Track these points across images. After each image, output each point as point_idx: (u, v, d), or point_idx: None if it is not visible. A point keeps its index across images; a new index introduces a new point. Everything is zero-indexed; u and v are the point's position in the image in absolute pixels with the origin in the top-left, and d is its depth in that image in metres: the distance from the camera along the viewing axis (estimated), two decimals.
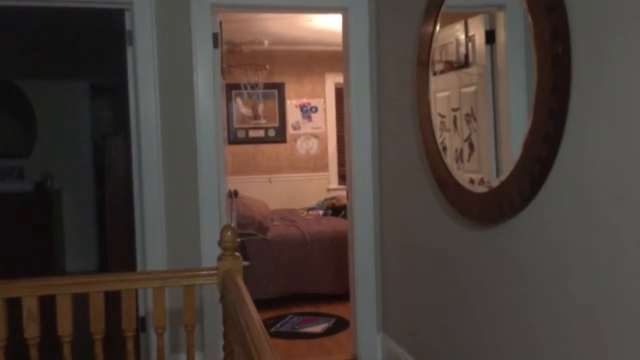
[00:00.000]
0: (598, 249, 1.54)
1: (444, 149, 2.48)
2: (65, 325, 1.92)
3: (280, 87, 6.42)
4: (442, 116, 2.54)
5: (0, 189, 5.39)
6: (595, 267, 1.56)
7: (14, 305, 1.93)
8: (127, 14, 2.98)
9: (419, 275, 2.81)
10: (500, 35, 2.16)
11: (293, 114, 6.50)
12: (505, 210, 1.95)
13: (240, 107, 6.31)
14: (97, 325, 1.96)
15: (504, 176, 1.97)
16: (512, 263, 1.97)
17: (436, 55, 2.51)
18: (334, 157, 6.60)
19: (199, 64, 2.99)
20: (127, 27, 2.98)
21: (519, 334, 1.93)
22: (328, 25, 5.08)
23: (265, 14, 4.59)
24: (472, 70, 2.38)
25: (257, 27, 5.26)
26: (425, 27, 2.53)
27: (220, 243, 2.06)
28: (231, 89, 6.06)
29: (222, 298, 2.02)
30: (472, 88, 2.39)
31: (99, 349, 1.98)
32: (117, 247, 4.14)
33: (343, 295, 4.13)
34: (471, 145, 2.38)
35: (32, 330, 1.89)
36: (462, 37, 2.41)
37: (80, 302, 2.06)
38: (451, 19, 2.44)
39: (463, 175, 2.31)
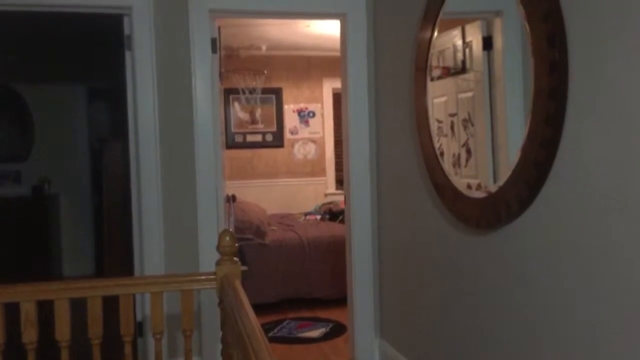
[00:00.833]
0: (596, 254, 1.55)
1: (441, 154, 2.49)
2: (63, 330, 1.91)
3: (277, 92, 6.43)
4: (440, 122, 2.55)
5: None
6: (593, 271, 1.56)
7: (12, 310, 1.93)
8: (125, 19, 2.98)
9: (417, 280, 2.81)
10: (497, 42, 2.18)
11: (291, 119, 6.51)
12: (502, 215, 1.96)
13: (238, 111, 6.32)
14: (95, 330, 1.96)
15: (501, 181, 1.97)
16: (511, 268, 1.97)
17: (434, 61, 2.53)
18: (331, 162, 6.61)
19: (198, 68, 3.00)
20: (126, 31, 2.99)
21: (518, 338, 1.94)
22: (326, 30, 5.10)
23: (263, 20, 4.61)
24: (469, 76, 2.39)
25: (255, 32, 5.27)
26: (422, 33, 2.55)
27: (218, 248, 2.06)
28: (229, 93, 6.06)
29: (221, 302, 2.02)
30: (470, 94, 2.40)
31: (96, 353, 1.98)
32: (114, 251, 4.13)
33: (340, 300, 4.13)
34: (468, 151, 2.39)
35: (30, 335, 1.89)
36: (460, 43, 2.42)
37: (76, 307, 2.06)
38: (448, 25, 2.45)
39: (460, 180, 2.32)
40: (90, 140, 5.84)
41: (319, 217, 5.66)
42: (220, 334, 2.04)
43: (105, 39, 4.27)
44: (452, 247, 2.43)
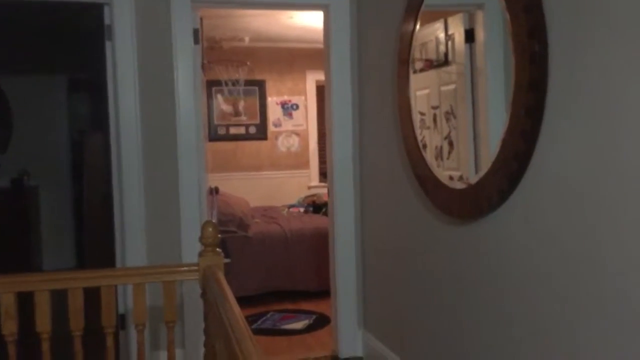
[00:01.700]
0: (574, 245, 1.58)
1: (424, 146, 2.50)
2: (43, 322, 1.90)
3: (261, 84, 6.41)
4: (422, 114, 2.56)
5: None
6: (571, 262, 1.59)
7: None
8: (106, 9, 2.95)
9: (400, 271, 2.84)
10: (479, 34, 2.19)
11: (274, 111, 6.50)
12: (483, 206, 1.99)
13: (221, 103, 6.28)
14: (77, 322, 1.94)
15: (482, 173, 2.00)
16: (491, 258, 2.00)
17: (416, 53, 2.54)
18: (314, 154, 6.61)
19: (179, 59, 2.98)
20: (107, 21, 2.95)
21: (498, 328, 1.97)
22: (309, 22, 5.08)
23: (246, 10, 4.58)
24: (451, 68, 2.41)
25: (238, 24, 5.24)
26: (405, 25, 2.56)
27: (201, 239, 2.06)
28: (212, 85, 6.03)
29: (204, 294, 2.02)
30: (452, 86, 2.42)
31: (78, 345, 1.97)
32: (95, 244, 4.09)
33: (324, 292, 4.15)
34: (451, 143, 2.41)
35: (9, 327, 1.87)
36: (442, 35, 2.43)
37: (57, 299, 2.04)
38: (431, 18, 2.47)
39: (442, 172, 2.34)
40: (71, 132, 5.76)
41: (302, 209, 5.67)
42: (203, 325, 2.03)
43: (86, 29, 4.21)
44: (434, 238, 2.45)
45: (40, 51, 5.41)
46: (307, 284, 4.54)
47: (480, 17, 2.24)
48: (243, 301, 4.38)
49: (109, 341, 1.99)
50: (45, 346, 1.93)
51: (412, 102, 2.57)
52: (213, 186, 4.20)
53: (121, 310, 2.92)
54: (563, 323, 1.63)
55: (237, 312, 1.44)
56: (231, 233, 4.46)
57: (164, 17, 2.97)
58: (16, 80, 5.51)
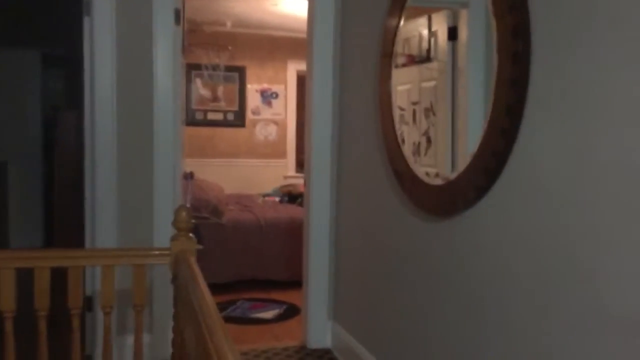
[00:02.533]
0: (549, 241, 1.60)
1: (402, 141, 2.51)
2: (8, 301, 1.85)
3: (241, 71, 6.34)
4: (402, 109, 2.56)
5: None
6: (543, 261, 1.61)
7: None
8: None
9: (372, 265, 2.85)
10: (463, 32, 2.20)
11: (253, 99, 6.44)
12: (459, 203, 2.00)
13: (200, 88, 6.20)
14: (42, 302, 1.90)
15: (460, 170, 2.01)
16: (465, 255, 2.02)
17: (399, 48, 2.53)
18: (292, 144, 6.59)
19: (159, 39, 2.92)
20: None
21: (468, 325, 1.99)
22: (293, 10, 5.04)
23: None
24: (433, 65, 2.41)
25: (221, 7, 5.17)
26: (390, 19, 2.55)
27: (174, 223, 2.03)
28: (191, 69, 5.94)
29: (174, 279, 1.99)
30: (432, 83, 2.43)
31: (42, 326, 1.92)
32: (64, 224, 4.00)
33: (295, 283, 4.14)
34: (429, 140, 2.42)
35: None
36: (425, 32, 2.43)
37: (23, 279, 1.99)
38: (416, 13, 2.46)
39: (420, 168, 2.35)
40: (44, 109, 5.62)
41: (277, 199, 5.65)
42: (172, 310, 2.01)
43: (62, 3, 4.10)
44: (409, 233, 2.46)
45: (14, 25, 5.25)
46: (280, 273, 4.53)
47: (464, 15, 2.25)
48: (214, 288, 4.30)
49: (75, 323, 1.95)
50: (9, 326, 1.88)
51: (393, 97, 2.57)
52: (189, 171, 4.15)
53: (88, 292, 2.87)
54: (532, 321, 1.66)
55: (209, 300, 1.42)
56: (204, 219, 4.41)
57: None
58: None
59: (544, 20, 1.61)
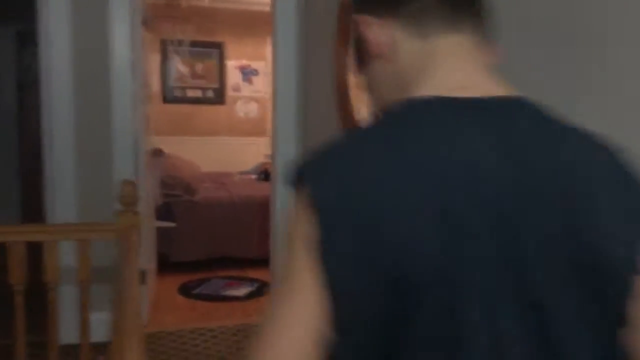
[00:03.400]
0: None
1: None
2: None
3: (220, 47, 6.24)
4: None
5: None
6: None
7: None
8: None
9: None
10: None
11: (233, 76, 6.35)
12: None
13: (178, 64, 6.11)
14: None
15: None
16: None
17: None
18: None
19: (116, 10, 2.84)
20: None
21: None
22: None
23: None
24: None
25: None
26: None
27: (119, 198, 1.99)
28: (167, 45, 5.84)
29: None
30: None
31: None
32: (31, 199, 3.96)
33: (268, 260, 4.13)
34: None
35: None
36: None
37: None
38: None
39: None
40: (19, 85, 5.53)
41: (254, 176, 5.61)
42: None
43: None
44: None
45: None
46: (253, 251, 4.50)
47: None
48: (187, 266, 4.33)
49: (18, 300, 1.92)
50: None
51: (351, 78, 2.51)
52: (157, 148, 4.09)
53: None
54: None
55: (134, 278, 1.39)
56: (177, 197, 4.38)
57: None
58: None
59: None
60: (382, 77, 0.70)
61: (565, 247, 0.58)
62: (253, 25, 6.29)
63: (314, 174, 0.61)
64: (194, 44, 5.87)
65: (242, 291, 3.96)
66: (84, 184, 2.86)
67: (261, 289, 3.99)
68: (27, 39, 5.55)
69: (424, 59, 0.66)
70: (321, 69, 2.96)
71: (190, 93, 6.21)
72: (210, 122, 6.30)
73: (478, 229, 0.57)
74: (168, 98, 6.06)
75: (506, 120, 0.62)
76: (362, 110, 2.45)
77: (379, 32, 0.67)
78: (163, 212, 4.18)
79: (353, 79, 2.49)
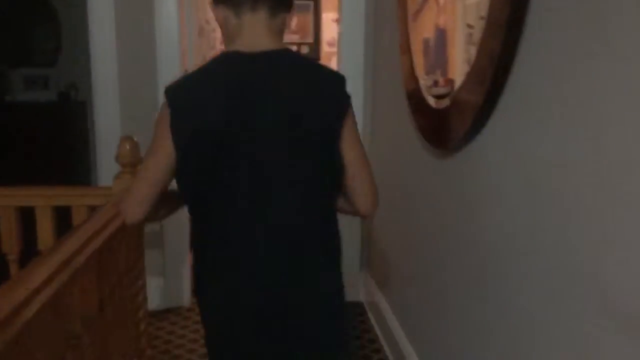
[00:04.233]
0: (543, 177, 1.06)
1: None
2: None
3: None
4: (471, 27, 1.99)
5: (30, 97, 5.33)
6: (539, 194, 1.08)
7: None
8: None
9: (396, 210, 2.38)
10: None
11: (329, 30, 5.93)
12: (457, 129, 1.47)
13: None
14: None
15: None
16: (468, 193, 1.51)
17: None
18: None
19: None
20: None
21: (479, 268, 1.51)
22: None
23: None
24: None
25: None
26: None
27: (116, 158, 1.73)
28: None
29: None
30: None
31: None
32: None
33: None
34: None
35: None
36: None
37: None
38: None
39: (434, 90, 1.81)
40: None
41: None
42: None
43: None
44: (419, 171, 1.96)
45: None
46: None
47: None
48: None
49: (13, 268, 1.76)
50: None
51: (459, 12, 1.99)
52: None
53: None
54: (537, 260, 1.15)
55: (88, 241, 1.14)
56: None
57: None
58: None
59: None
60: (224, 38, 1.22)
61: (285, 127, 1.12)
62: None
63: (171, 88, 1.14)
64: None
65: None
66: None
67: None
68: None
69: (238, 29, 1.17)
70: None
71: None
72: None
73: (244, 115, 1.11)
74: None
75: (270, 62, 1.15)
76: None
77: (218, 13, 1.19)
78: None
79: (416, 43, 1.98)
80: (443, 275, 1.72)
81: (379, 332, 2.57)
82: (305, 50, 5.91)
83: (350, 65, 2.77)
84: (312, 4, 5.83)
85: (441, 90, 1.65)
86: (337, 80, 1.17)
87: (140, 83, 2.64)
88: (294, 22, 5.83)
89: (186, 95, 1.13)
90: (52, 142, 5.03)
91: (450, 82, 1.57)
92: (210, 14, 3.27)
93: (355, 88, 2.76)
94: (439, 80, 1.68)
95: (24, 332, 0.78)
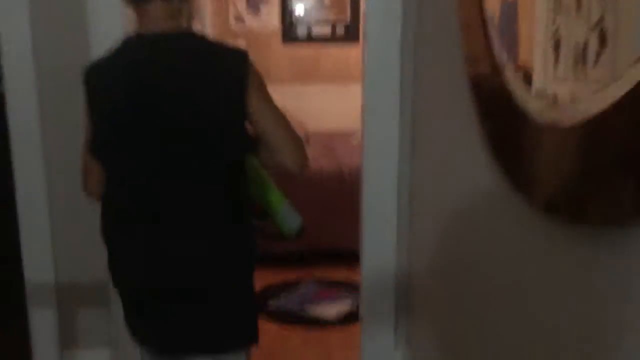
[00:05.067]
0: None
1: (556, 45, 1.00)
2: None
3: None
4: None
5: None
6: None
7: None
8: None
9: (462, 275, 1.43)
10: None
11: None
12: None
13: None
14: None
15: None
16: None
17: None
18: None
19: None
20: None
21: None
22: None
23: None
24: None
25: None
26: None
27: None
28: None
29: None
30: None
31: None
32: None
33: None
34: (602, 36, 0.90)
35: None
36: None
37: None
38: None
39: (585, 86, 0.87)
40: None
41: None
42: None
43: None
44: (523, 250, 1.02)
45: None
46: None
47: None
48: (281, 262, 3.17)
49: None
50: None
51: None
52: None
53: None
54: None
55: None
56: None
57: None
58: None
59: None
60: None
61: (172, 111, 1.22)
62: None
63: (88, 70, 1.30)
64: None
65: (334, 309, 2.74)
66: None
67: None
68: None
69: (139, 17, 1.27)
70: None
71: (317, 30, 4.97)
72: (340, 67, 5.01)
73: (137, 98, 1.23)
74: (290, 37, 4.91)
75: (163, 43, 1.24)
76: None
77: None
78: None
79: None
80: None
81: None
82: (341, 29, 4.93)
83: (379, 50, 1.82)
84: None
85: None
86: (232, 57, 1.26)
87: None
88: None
89: (95, 77, 1.30)
90: None
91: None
92: None
93: (386, 80, 1.82)
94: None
95: None
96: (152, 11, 1.23)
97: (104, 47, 1.32)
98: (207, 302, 1.30)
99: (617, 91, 0.71)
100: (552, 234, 0.88)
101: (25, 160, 1.86)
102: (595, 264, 0.77)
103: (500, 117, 1.03)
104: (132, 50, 1.25)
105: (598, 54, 0.92)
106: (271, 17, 4.90)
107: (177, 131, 1.21)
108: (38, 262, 1.91)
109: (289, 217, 1.60)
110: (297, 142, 1.32)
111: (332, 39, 4.95)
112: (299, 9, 4.92)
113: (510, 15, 1.06)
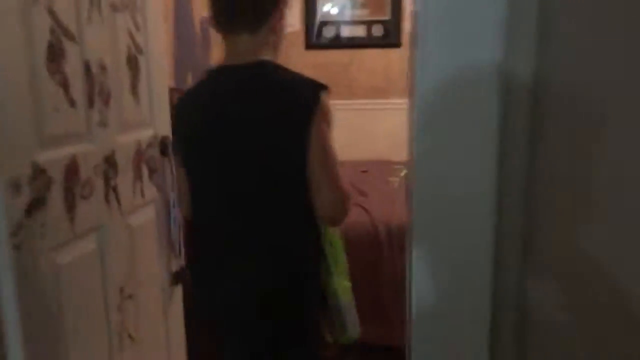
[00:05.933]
0: None
1: None
2: None
3: None
4: None
5: None
6: None
7: None
8: None
9: None
10: None
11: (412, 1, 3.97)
12: None
13: None
14: None
15: None
16: None
17: None
18: None
19: None
20: None
21: None
22: None
23: None
24: None
25: None
26: None
27: None
28: None
29: None
30: None
31: None
32: None
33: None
34: None
35: None
36: None
37: None
38: None
39: None
40: None
41: None
42: None
43: None
44: None
45: None
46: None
47: None
48: None
49: None
50: None
51: None
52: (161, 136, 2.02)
53: None
54: None
55: None
56: None
57: None
58: None
59: None
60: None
61: (251, 151, 1.28)
62: None
63: (178, 102, 1.46)
64: None
65: None
66: None
67: None
68: None
69: (226, 47, 1.35)
70: None
71: (347, 32, 4.01)
72: (376, 76, 4.04)
73: (217, 130, 1.31)
74: (312, 42, 3.99)
75: (242, 74, 1.31)
76: None
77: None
78: None
79: None
80: None
81: None
82: (378, 31, 3.96)
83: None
84: None
85: None
86: (304, 88, 1.30)
87: None
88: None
89: (182, 107, 1.43)
90: None
91: None
92: None
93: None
94: None
95: None
96: (239, 43, 1.33)
97: None
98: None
99: None
100: None
101: None
102: None
103: None
104: (212, 81, 1.38)
105: None
106: (291, 19, 3.98)
107: (246, 158, 1.29)
108: None
109: (350, 318, 1.42)
110: (336, 190, 1.31)
111: (368, 42, 3.99)
112: (326, 7, 3.99)
113: None
